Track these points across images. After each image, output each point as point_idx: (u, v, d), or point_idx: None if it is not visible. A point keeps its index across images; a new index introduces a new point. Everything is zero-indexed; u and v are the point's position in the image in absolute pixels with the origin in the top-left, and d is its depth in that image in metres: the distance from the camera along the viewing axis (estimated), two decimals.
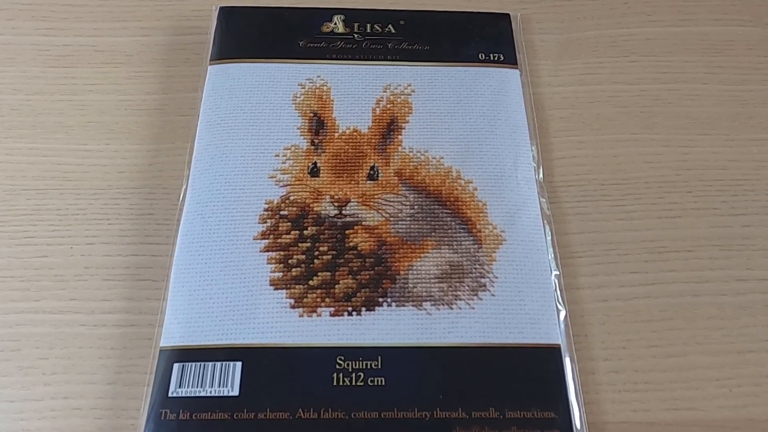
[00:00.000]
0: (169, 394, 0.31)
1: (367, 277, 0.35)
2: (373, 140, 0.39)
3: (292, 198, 0.37)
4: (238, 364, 0.32)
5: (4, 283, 0.35)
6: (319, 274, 0.35)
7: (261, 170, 0.38)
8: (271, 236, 0.36)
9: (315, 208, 0.36)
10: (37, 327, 0.34)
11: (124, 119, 0.41)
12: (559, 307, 0.34)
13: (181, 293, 0.34)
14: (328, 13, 0.44)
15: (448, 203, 0.37)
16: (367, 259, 0.35)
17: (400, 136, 0.39)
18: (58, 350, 0.34)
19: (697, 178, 0.40)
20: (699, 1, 0.47)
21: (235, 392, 0.31)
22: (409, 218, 0.36)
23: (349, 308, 0.34)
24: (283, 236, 0.36)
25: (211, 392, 0.31)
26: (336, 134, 0.39)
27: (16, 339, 0.34)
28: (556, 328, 0.34)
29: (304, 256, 0.35)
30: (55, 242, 0.37)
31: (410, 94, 0.41)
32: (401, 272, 0.35)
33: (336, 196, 0.37)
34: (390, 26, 0.43)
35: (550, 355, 0.33)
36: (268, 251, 0.35)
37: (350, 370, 0.32)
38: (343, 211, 0.36)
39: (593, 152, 0.41)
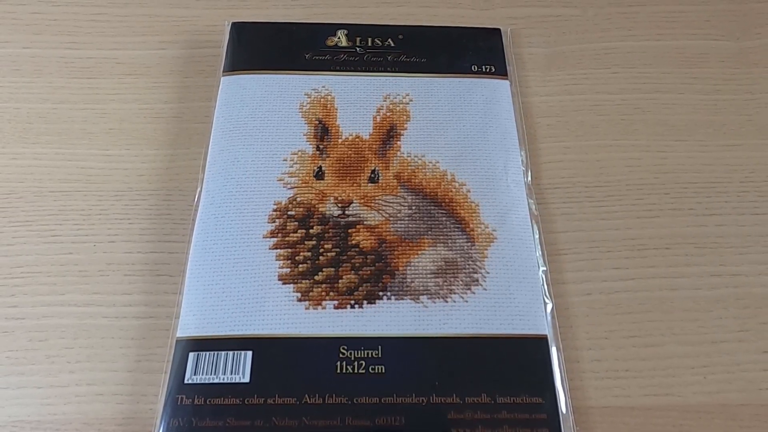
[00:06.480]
0: (185, 381, 0.31)
1: (369, 272, 0.35)
2: (374, 146, 0.39)
3: (298, 199, 0.37)
4: (249, 353, 0.32)
5: (33, 279, 0.35)
6: (323, 269, 0.35)
7: (270, 173, 0.37)
8: (280, 235, 0.36)
9: (320, 209, 0.36)
10: (63, 319, 0.34)
11: (143, 126, 0.41)
12: (546, 301, 0.34)
13: (196, 287, 0.34)
14: (332, 28, 0.44)
15: (443, 204, 0.37)
16: (368, 256, 0.35)
17: (399, 142, 0.39)
18: (82, 340, 0.34)
19: (673, 180, 0.40)
20: (676, 17, 0.47)
21: (246, 379, 0.31)
22: (407, 218, 0.36)
23: (352, 301, 0.34)
24: (291, 235, 0.36)
25: (223, 379, 0.31)
26: (339, 140, 0.39)
27: (43, 330, 0.34)
28: (543, 320, 0.34)
29: (309, 253, 0.35)
30: (79, 240, 0.37)
31: (408, 103, 0.41)
32: (400, 268, 0.35)
33: (339, 198, 0.37)
34: (390, 40, 0.43)
35: (538, 344, 0.33)
36: (276, 248, 0.35)
37: (353, 358, 0.32)
38: (346, 212, 0.36)
39: (578, 157, 0.41)
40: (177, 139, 0.41)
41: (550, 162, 0.40)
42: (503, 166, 0.39)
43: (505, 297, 0.34)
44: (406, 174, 0.38)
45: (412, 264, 0.35)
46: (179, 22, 0.46)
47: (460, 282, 0.34)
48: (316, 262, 0.35)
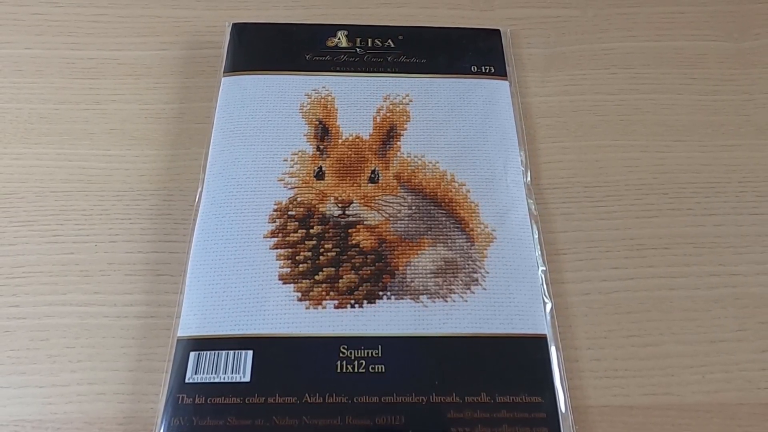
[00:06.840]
0: (186, 380, 0.31)
1: (369, 272, 0.35)
2: (374, 146, 0.39)
3: (299, 199, 0.37)
4: (250, 352, 0.32)
5: (34, 278, 0.35)
6: (324, 269, 0.35)
7: (270, 174, 0.37)
8: (280, 234, 0.36)
9: (320, 209, 0.36)
10: (64, 318, 0.34)
11: (144, 127, 0.41)
12: (546, 300, 0.34)
13: (197, 287, 0.34)
14: (333, 29, 0.44)
15: (443, 204, 0.37)
16: (368, 256, 0.35)
17: (398, 142, 0.39)
18: (83, 340, 0.34)
19: (672, 181, 0.40)
20: (674, 18, 0.47)
21: (247, 378, 0.31)
22: (407, 218, 0.36)
23: (352, 301, 0.34)
24: (291, 235, 0.36)
25: (224, 378, 0.31)
26: (340, 140, 0.39)
27: (44, 329, 0.34)
28: (542, 320, 0.34)
29: (310, 253, 0.35)
30: (80, 240, 0.37)
31: (408, 104, 0.41)
32: (400, 268, 0.35)
33: (339, 198, 0.37)
34: (390, 41, 0.43)
35: (537, 344, 0.33)
36: (277, 248, 0.35)
37: (353, 358, 0.32)
38: (346, 212, 0.36)
39: (577, 157, 0.41)
40: (178, 140, 0.41)
41: (549, 162, 0.40)
42: (503, 166, 0.39)
43: (505, 297, 0.34)
44: (406, 174, 0.38)
45: (412, 264, 0.35)
46: (180, 23, 0.46)
47: (460, 282, 0.34)
48: (317, 261, 0.35)
